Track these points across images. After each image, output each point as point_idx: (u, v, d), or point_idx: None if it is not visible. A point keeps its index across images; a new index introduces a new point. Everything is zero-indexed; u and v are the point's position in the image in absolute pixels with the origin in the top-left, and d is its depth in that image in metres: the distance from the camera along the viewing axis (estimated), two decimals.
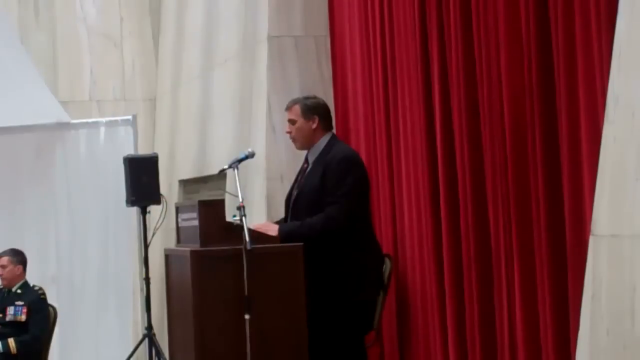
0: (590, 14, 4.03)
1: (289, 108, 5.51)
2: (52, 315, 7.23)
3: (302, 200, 5.39)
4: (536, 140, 4.42)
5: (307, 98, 5.54)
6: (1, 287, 7.23)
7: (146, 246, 7.20)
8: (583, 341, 3.64)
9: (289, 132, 5.49)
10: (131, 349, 7.30)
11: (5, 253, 7.23)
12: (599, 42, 3.98)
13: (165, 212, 7.02)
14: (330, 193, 5.25)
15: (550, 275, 4.34)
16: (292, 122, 5.47)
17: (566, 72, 4.20)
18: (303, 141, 5.47)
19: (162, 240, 7.78)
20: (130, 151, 7.63)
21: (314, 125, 5.43)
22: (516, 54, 4.56)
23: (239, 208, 5.05)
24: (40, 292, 7.20)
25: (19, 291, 7.17)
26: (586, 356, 3.61)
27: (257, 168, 6.65)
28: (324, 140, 5.44)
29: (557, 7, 4.26)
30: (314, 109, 5.45)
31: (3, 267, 7.18)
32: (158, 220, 7.07)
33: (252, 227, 5.17)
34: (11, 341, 6.94)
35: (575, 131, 4.15)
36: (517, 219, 4.57)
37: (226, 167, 5.45)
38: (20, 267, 7.24)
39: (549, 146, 4.35)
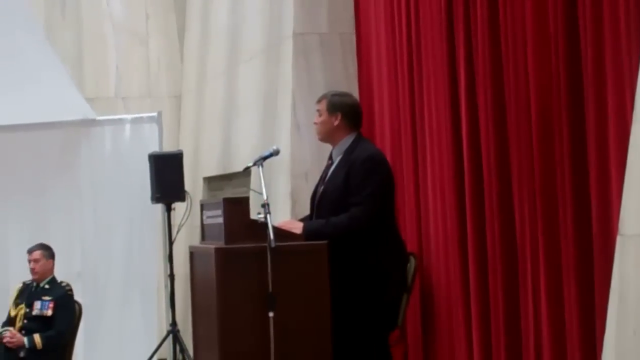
0: (619, 11, 4.00)
1: (319, 100, 5.54)
2: (78, 311, 7.26)
3: (326, 199, 5.38)
4: (563, 138, 4.39)
5: (335, 95, 5.53)
6: (30, 281, 7.27)
7: (171, 243, 7.22)
8: (609, 342, 3.61)
9: (316, 123, 5.52)
10: (155, 346, 7.32)
11: (37, 247, 7.27)
12: (627, 40, 3.95)
13: (190, 209, 7.04)
14: (355, 193, 5.24)
15: (577, 275, 4.31)
16: (319, 113, 5.50)
17: (594, 70, 4.17)
18: (324, 135, 5.50)
19: (187, 237, 7.80)
20: (155, 148, 7.64)
21: (336, 122, 5.43)
22: (544, 51, 4.53)
23: (263, 205, 5.05)
24: (67, 288, 7.23)
25: (46, 286, 7.21)
26: (612, 357, 3.59)
27: (281, 165, 6.65)
28: (349, 139, 5.43)
29: (585, 4, 4.23)
30: (338, 106, 5.44)
31: (36, 261, 7.22)
32: (182, 217, 7.09)
33: (276, 224, 5.17)
34: (37, 337, 6.97)
35: (603, 129, 4.12)
36: (544, 218, 4.54)
37: (251, 164, 5.45)
38: (51, 261, 7.29)
39: (577, 144, 4.32)
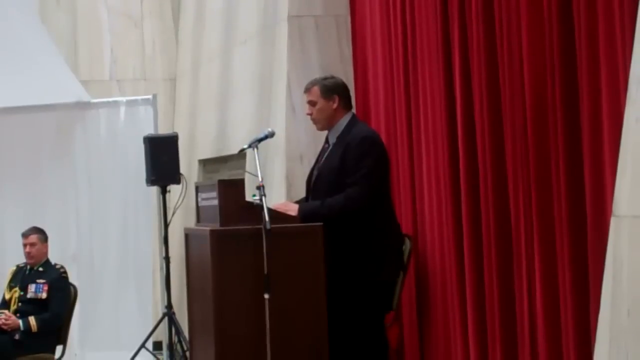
0: None
1: (307, 90, 5.49)
2: (73, 293, 7.26)
3: (322, 181, 5.38)
4: (557, 120, 4.39)
5: (325, 78, 5.53)
6: (23, 264, 7.27)
7: (166, 225, 7.24)
8: (604, 322, 3.62)
9: (310, 114, 5.48)
10: (151, 328, 7.34)
11: (32, 231, 7.26)
12: (621, 22, 3.95)
13: (185, 191, 7.05)
14: (351, 174, 5.24)
15: (571, 256, 4.32)
16: (312, 103, 5.45)
17: (588, 52, 4.17)
18: (324, 122, 5.46)
19: (182, 219, 7.80)
20: (150, 131, 7.65)
21: (335, 105, 5.42)
22: (537, 34, 4.53)
23: (258, 187, 5.05)
24: (61, 270, 7.24)
25: (40, 269, 7.21)
26: (607, 337, 3.60)
27: (276, 148, 6.65)
28: (344, 121, 5.42)
29: None
30: (333, 89, 5.43)
31: (32, 245, 7.22)
32: (178, 200, 7.10)
33: (271, 206, 5.18)
34: (32, 319, 6.98)
35: (597, 112, 4.13)
36: (538, 200, 4.55)
37: (246, 146, 5.44)
38: (46, 245, 7.29)
39: (571, 126, 4.33)
